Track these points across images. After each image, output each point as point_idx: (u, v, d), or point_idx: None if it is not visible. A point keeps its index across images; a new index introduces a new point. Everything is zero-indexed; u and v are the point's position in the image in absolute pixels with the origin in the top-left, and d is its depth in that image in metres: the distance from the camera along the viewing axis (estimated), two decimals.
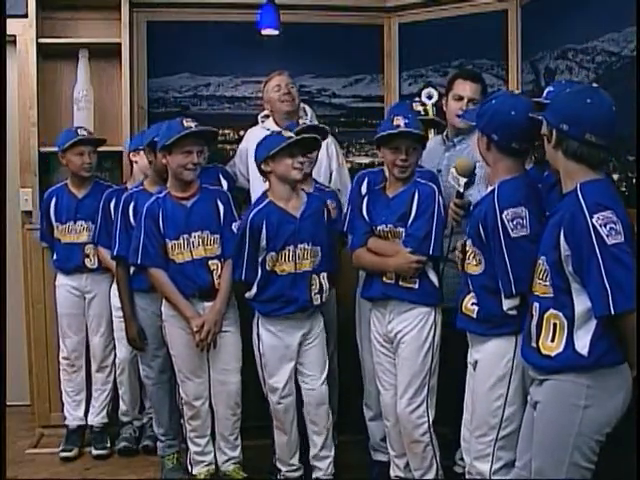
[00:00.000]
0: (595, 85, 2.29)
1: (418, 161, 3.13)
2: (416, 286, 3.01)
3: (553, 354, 2.20)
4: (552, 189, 2.64)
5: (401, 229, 3.02)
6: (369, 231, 3.10)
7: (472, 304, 2.60)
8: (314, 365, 3.24)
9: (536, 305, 2.26)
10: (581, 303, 2.15)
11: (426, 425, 3.03)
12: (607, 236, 2.08)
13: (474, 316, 2.59)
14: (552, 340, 2.20)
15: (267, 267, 3.14)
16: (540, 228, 2.38)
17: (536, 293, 2.29)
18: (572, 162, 2.22)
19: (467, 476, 2.69)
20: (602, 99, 2.21)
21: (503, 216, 2.43)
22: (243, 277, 3.16)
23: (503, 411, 2.51)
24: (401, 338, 3.03)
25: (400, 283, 3.02)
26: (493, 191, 2.51)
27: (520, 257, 2.40)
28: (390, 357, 3.10)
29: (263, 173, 3.20)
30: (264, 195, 3.22)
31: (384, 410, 3.19)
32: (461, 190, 2.86)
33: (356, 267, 3.20)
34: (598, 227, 2.08)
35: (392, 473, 3.23)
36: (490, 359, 2.55)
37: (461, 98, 3.40)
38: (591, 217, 2.10)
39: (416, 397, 3.01)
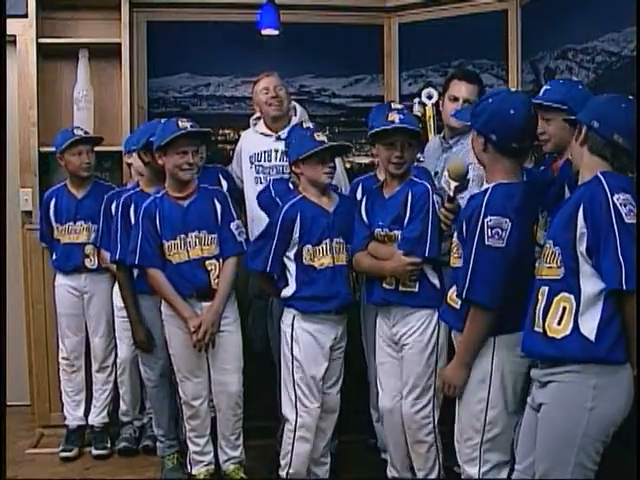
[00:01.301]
0: (631, 97, 2.31)
1: (414, 158, 3.11)
2: (416, 289, 2.99)
3: (559, 336, 2.19)
4: (549, 186, 2.65)
5: (396, 232, 3.00)
6: (369, 235, 3.08)
7: (456, 295, 2.59)
8: (335, 374, 3.23)
9: (544, 289, 2.25)
10: (588, 287, 2.16)
11: (431, 425, 3.02)
12: (626, 215, 2.11)
13: (457, 307, 2.58)
14: (559, 323, 2.20)
15: (304, 261, 3.11)
16: (519, 244, 2.40)
17: (543, 277, 2.27)
18: (597, 159, 2.24)
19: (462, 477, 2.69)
20: (635, 107, 2.24)
21: (485, 220, 2.41)
22: (268, 268, 3.14)
23: (485, 414, 2.50)
24: (405, 340, 3.02)
25: (400, 288, 3.00)
26: (486, 191, 2.49)
27: (484, 266, 2.41)
28: (394, 358, 3.08)
29: (294, 173, 3.22)
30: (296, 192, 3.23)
31: (380, 410, 3.19)
32: (451, 194, 2.85)
33: (356, 271, 3.18)
34: (618, 205, 2.12)
35: (389, 474, 3.23)
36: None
37: (456, 99, 3.39)
38: (612, 195, 2.13)
39: (422, 398, 3.00)
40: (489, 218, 2.41)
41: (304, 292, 3.13)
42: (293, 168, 3.20)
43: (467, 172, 2.89)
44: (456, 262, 2.59)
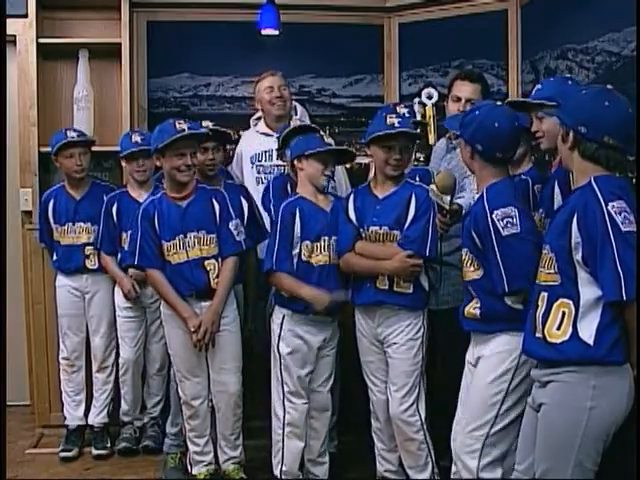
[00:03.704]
0: (609, 86, 2.30)
1: (411, 160, 3.15)
2: (410, 291, 3.03)
3: (559, 341, 2.19)
4: (544, 185, 2.70)
5: (396, 232, 3.02)
6: (357, 234, 3.09)
7: (474, 309, 2.60)
8: (325, 372, 3.26)
9: (544, 294, 2.26)
10: (586, 293, 2.16)
11: (419, 423, 3.05)
12: (622, 223, 2.09)
13: (478, 317, 2.59)
14: (558, 328, 2.20)
15: (303, 257, 3.13)
16: (531, 225, 2.45)
17: (542, 282, 2.28)
18: (589, 163, 2.23)
19: (453, 468, 2.68)
20: (619, 101, 2.23)
21: (493, 216, 2.46)
22: (274, 266, 3.12)
23: (500, 407, 2.52)
24: (391, 340, 3.06)
25: (395, 289, 3.02)
26: (482, 196, 2.55)
27: (512, 255, 2.43)
28: (380, 355, 3.12)
29: (293, 167, 3.25)
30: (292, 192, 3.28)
31: (373, 406, 3.21)
32: (447, 207, 2.89)
33: (345, 272, 3.16)
34: (613, 214, 2.10)
35: (379, 467, 3.25)
36: (497, 355, 2.54)
37: (459, 99, 3.41)
38: (606, 204, 2.12)
39: (408, 397, 3.04)
40: (495, 213, 2.46)
41: None
42: (295, 162, 3.21)
43: (455, 182, 2.93)
44: (474, 275, 2.59)
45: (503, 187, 2.55)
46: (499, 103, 2.72)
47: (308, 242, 3.14)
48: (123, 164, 3.79)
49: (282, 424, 3.20)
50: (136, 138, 3.70)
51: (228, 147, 4.20)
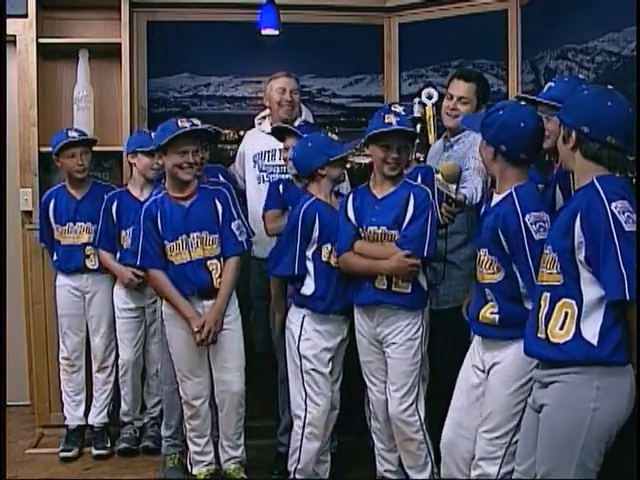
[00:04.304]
0: (610, 87, 2.31)
1: (409, 159, 3.17)
2: (409, 290, 3.03)
3: (562, 341, 2.19)
4: (547, 187, 2.71)
5: (394, 232, 3.02)
6: (356, 234, 3.10)
7: (491, 313, 2.56)
8: (336, 370, 3.28)
9: (547, 295, 2.25)
10: (589, 293, 2.16)
11: (418, 423, 3.06)
12: (625, 223, 2.10)
13: (496, 323, 2.56)
14: (561, 328, 2.20)
15: (323, 259, 3.16)
16: None
17: (544, 283, 2.28)
18: (591, 163, 2.23)
19: (442, 469, 2.68)
20: (620, 101, 2.24)
21: (526, 219, 2.43)
22: (296, 271, 3.16)
23: (522, 414, 2.48)
24: (390, 340, 3.06)
25: (393, 288, 3.02)
26: (510, 196, 2.51)
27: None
28: (379, 355, 3.12)
29: (312, 174, 3.22)
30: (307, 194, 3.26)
31: (373, 406, 3.21)
32: (453, 196, 2.89)
33: (344, 272, 3.16)
34: (617, 213, 2.11)
35: (379, 467, 3.25)
36: (514, 362, 2.50)
37: (452, 97, 3.42)
38: (609, 204, 2.12)
39: (407, 396, 3.05)
40: (528, 216, 2.44)
41: (322, 291, 3.16)
42: (319, 170, 3.19)
43: (460, 170, 2.93)
44: (493, 277, 2.55)
45: (532, 190, 2.53)
46: (523, 103, 2.69)
47: (329, 244, 3.16)
48: (134, 162, 3.78)
49: (302, 424, 3.19)
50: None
51: (229, 147, 4.26)
